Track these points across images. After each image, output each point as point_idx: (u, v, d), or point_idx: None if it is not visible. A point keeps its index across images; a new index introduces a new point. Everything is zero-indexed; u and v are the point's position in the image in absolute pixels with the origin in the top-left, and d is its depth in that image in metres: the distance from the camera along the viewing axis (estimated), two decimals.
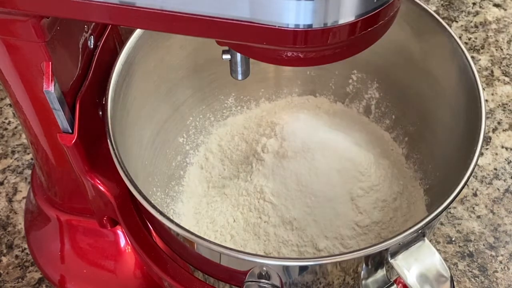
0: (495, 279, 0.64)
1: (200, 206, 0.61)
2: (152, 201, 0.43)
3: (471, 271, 0.64)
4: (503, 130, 0.76)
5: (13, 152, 0.75)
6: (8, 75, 0.43)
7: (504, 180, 0.71)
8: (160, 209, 0.42)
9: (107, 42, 0.49)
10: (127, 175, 0.43)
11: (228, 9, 0.30)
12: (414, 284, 0.41)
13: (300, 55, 0.33)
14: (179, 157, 0.63)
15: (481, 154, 0.45)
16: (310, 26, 0.30)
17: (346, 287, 0.46)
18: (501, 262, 0.65)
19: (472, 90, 0.48)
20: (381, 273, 0.46)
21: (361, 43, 0.34)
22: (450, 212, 0.69)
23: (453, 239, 0.67)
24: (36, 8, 0.35)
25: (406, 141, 0.62)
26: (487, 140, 0.75)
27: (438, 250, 0.42)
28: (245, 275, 0.43)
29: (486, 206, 0.69)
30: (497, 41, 0.85)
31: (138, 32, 0.50)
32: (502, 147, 0.74)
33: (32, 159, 0.74)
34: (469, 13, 0.89)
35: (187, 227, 0.42)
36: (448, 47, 0.50)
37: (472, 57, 0.81)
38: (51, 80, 0.40)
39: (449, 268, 0.42)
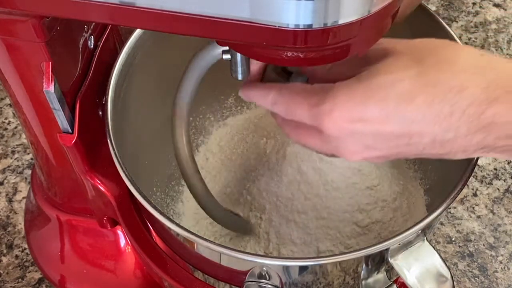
0: (495, 279, 0.64)
1: None
2: (152, 201, 0.43)
3: (471, 271, 0.64)
4: None
5: (13, 152, 0.75)
6: (8, 75, 0.43)
7: (504, 180, 0.71)
8: (160, 209, 0.42)
9: (107, 42, 0.49)
10: (127, 175, 0.43)
11: (228, 9, 0.30)
12: (414, 284, 0.41)
13: (300, 55, 0.33)
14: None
15: None
16: (310, 26, 0.30)
17: (346, 287, 0.46)
18: (501, 262, 0.65)
19: None
20: (381, 273, 0.46)
21: (361, 43, 0.34)
22: (450, 212, 0.69)
23: (453, 239, 0.67)
24: (36, 8, 0.35)
25: None
26: None
27: (438, 250, 0.42)
28: (245, 275, 0.43)
29: (486, 206, 0.69)
30: (497, 41, 0.85)
31: (138, 32, 0.50)
32: None
33: (32, 159, 0.74)
34: (469, 13, 0.89)
35: (187, 227, 0.42)
36: None
37: None
38: (51, 80, 0.40)
39: (449, 268, 0.42)
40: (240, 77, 0.41)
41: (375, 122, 0.34)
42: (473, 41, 0.85)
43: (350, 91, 0.35)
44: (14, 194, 0.71)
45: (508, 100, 0.33)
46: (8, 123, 0.77)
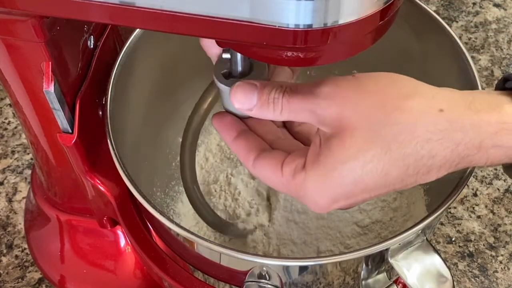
0: (495, 279, 0.64)
1: None
2: (152, 201, 0.43)
3: (471, 271, 0.65)
4: None
5: (13, 152, 0.75)
6: (8, 75, 0.43)
7: (504, 180, 0.71)
8: (160, 209, 0.42)
9: (107, 42, 0.49)
10: (127, 175, 0.43)
11: (228, 9, 0.30)
12: (414, 284, 0.41)
13: (300, 55, 0.33)
14: (179, 157, 0.63)
15: None
16: (310, 26, 0.30)
17: (346, 287, 0.46)
18: (501, 262, 0.65)
19: (472, 90, 0.48)
20: (381, 273, 0.46)
21: (361, 43, 0.34)
22: (450, 212, 0.69)
23: (453, 239, 0.67)
24: (36, 8, 0.35)
25: None
26: None
27: (438, 250, 0.42)
28: (245, 275, 0.43)
29: (486, 206, 0.69)
30: (497, 41, 0.85)
31: (138, 32, 0.50)
32: None
33: (32, 159, 0.74)
34: (469, 13, 0.89)
35: (187, 227, 0.42)
36: (448, 47, 0.50)
37: (472, 57, 0.81)
38: (51, 80, 0.40)
39: (449, 268, 0.42)
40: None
41: (359, 195, 0.36)
42: (473, 41, 0.85)
43: (323, 183, 0.35)
44: (14, 194, 0.71)
45: (480, 154, 0.34)
46: (8, 123, 0.77)
